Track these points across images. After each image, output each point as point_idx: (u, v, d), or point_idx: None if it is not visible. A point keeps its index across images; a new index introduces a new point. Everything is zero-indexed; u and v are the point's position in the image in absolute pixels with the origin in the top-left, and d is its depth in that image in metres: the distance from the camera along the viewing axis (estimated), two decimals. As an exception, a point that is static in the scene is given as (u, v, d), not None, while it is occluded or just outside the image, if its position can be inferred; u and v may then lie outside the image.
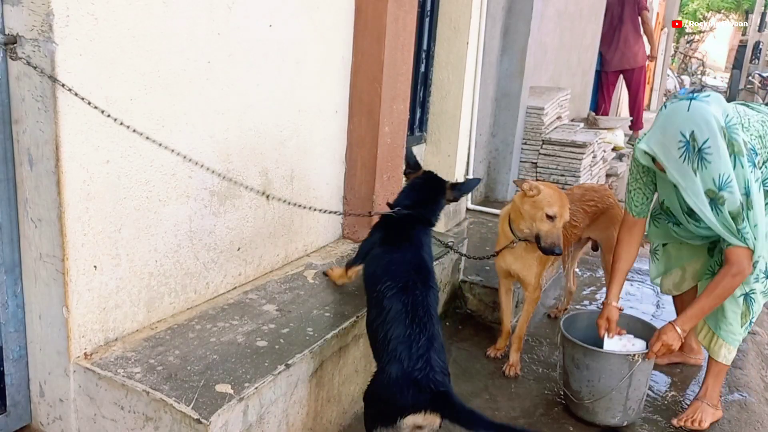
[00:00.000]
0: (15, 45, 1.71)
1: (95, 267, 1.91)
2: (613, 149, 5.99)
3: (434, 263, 2.26)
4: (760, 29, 16.14)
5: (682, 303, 2.79)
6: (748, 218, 2.19)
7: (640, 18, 7.04)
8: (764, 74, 13.05)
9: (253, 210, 2.50)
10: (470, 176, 4.47)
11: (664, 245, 2.78)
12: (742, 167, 2.14)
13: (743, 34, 21.88)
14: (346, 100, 2.98)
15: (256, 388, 1.87)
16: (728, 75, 18.25)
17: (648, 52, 7.53)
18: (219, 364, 1.97)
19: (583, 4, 6.30)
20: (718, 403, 2.59)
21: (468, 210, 4.43)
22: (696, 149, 2.11)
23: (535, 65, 5.06)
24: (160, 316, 2.18)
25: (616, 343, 2.47)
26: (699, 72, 18.34)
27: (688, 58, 17.87)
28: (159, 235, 2.11)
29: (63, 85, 1.69)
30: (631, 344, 2.47)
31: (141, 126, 1.95)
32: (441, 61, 4.17)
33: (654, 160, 2.28)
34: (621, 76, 7.48)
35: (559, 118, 5.22)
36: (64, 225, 1.80)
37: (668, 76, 13.52)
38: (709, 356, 2.53)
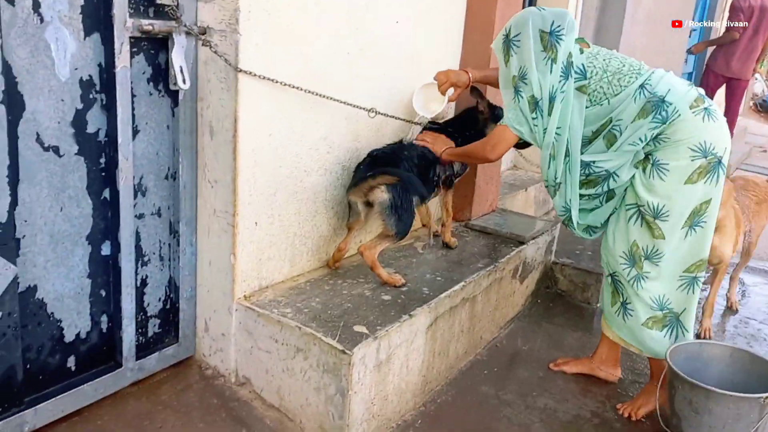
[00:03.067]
0: (205, 35, 2.09)
1: (256, 223, 2.27)
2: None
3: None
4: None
5: None
6: (542, 118, 2.31)
7: None
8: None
9: (374, 185, 2.83)
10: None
11: None
12: (550, 72, 2.26)
13: None
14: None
15: (386, 330, 2.19)
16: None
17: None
18: (353, 310, 2.30)
19: (672, 8, 6.37)
20: (616, 365, 2.74)
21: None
22: (509, 40, 2.34)
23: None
24: (299, 271, 2.54)
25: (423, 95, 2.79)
26: (789, 75, 17.64)
27: (777, 61, 17.24)
28: (302, 201, 2.46)
29: (249, 72, 2.06)
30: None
31: (296, 106, 2.30)
32: (535, 58, 4.40)
33: None
34: (725, 83, 7.29)
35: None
36: (237, 186, 2.16)
37: (756, 79, 13.15)
38: None
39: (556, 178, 2.40)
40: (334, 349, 2.06)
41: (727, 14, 7.17)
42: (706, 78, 7.37)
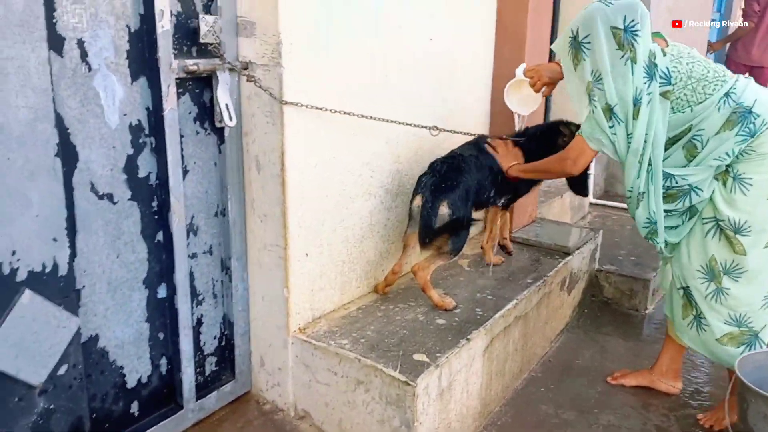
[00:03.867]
0: (247, 71, 2.07)
1: (306, 255, 2.25)
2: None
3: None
4: None
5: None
6: (626, 124, 2.14)
7: None
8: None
9: (416, 205, 2.80)
10: (591, 172, 4.61)
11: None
12: (631, 74, 2.10)
13: None
14: (489, 104, 3.23)
15: (446, 357, 2.15)
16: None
17: None
18: (410, 337, 2.26)
19: (694, 3, 6.30)
20: (677, 377, 2.66)
21: (591, 204, 4.58)
22: (577, 42, 2.15)
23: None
24: (349, 298, 2.51)
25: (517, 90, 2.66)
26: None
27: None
28: (349, 228, 2.43)
29: (296, 104, 2.04)
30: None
31: (339, 134, 2.28)
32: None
33: None
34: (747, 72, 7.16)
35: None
36: (286, 219, 2.14)
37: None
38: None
39: (641, 188, 2.25)
40: (396, 380, 2.02)
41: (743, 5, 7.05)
42: (728, 68, 7.24)
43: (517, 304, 2.60)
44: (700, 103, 2.15)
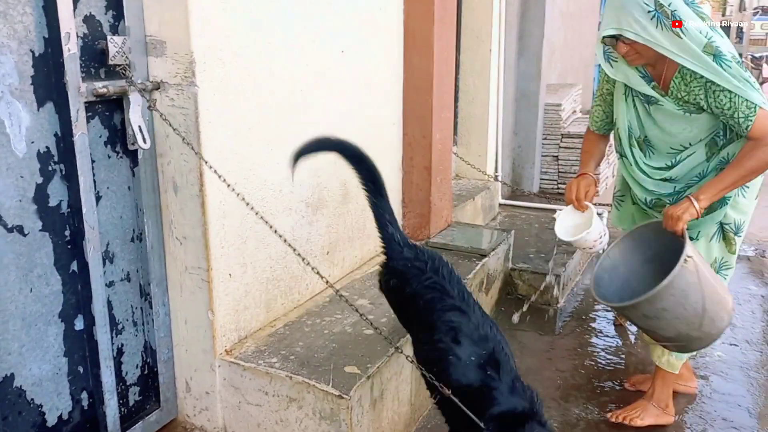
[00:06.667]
0: (159, 90, 2.02)
1: (230, 275, 2.21)
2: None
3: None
4: (741, 10, 16.62)
5: None
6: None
7: None
8: (756, 55, 13.49)
9: (336, 217, 2.81)
10: (499, 173, 4.80)
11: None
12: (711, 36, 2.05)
13: (723, 15, 22.40)
14: (400, 112, 3.29)
15: (377, 367, 2.18)
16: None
17: None
18: (339, 350, 2.27)
19: (581, 3, 6.64)
20: (669, 407, 2.55)
21: (500, 205, 4.75)
22: (667, 15, 2.03)
23: (546, 64, 5.38)
24: (275, 315, 2.49)
25: (569, 217, 2.39)
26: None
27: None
28: (272, 244, 2.41)
29: (211, 123, 2.01)
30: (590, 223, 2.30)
31: (258, 150, 2.26)
32: (466, 69, 4.50)
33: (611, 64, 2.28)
34: None
35: (574, 112, 5.56)
36: (208, 240, 2.10)
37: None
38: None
39: None
40: (329, 394, 2.03)
41: None
42: None
43: (440, 308, 2.66)
44: None
